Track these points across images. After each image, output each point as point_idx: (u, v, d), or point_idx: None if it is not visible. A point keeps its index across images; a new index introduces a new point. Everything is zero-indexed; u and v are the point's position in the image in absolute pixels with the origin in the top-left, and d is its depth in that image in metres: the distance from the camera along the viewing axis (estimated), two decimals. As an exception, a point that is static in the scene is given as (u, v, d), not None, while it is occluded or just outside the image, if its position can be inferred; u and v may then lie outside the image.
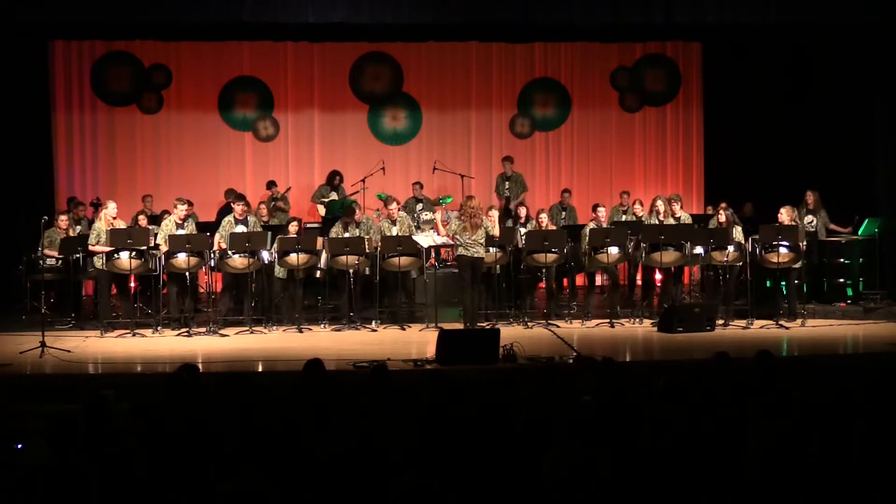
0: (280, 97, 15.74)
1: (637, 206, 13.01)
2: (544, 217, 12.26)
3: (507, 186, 14.94)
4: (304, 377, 6.43)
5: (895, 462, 4.38)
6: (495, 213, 12.05)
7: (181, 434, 5.08)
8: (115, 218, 11.56)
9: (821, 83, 14.79)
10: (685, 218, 12.50)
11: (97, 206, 14.01)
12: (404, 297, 12.18)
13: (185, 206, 11.68)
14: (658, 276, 12.26)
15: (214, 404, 5.77)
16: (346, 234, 11.81)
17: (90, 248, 11.50)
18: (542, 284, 12.61)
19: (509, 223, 12.97)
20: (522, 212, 12.81)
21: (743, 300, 11.89)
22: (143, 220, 11.84)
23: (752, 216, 13.55)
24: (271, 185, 14.68)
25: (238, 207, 11.88)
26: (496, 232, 11.35)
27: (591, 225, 12.07)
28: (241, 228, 11.69)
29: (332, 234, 11.88)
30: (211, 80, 15.60)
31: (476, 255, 11.13)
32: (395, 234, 11.91)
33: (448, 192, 15.02)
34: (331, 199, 14.44)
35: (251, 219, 11.97)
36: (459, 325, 11.16)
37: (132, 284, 11.92)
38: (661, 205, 12.17)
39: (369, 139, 15.91)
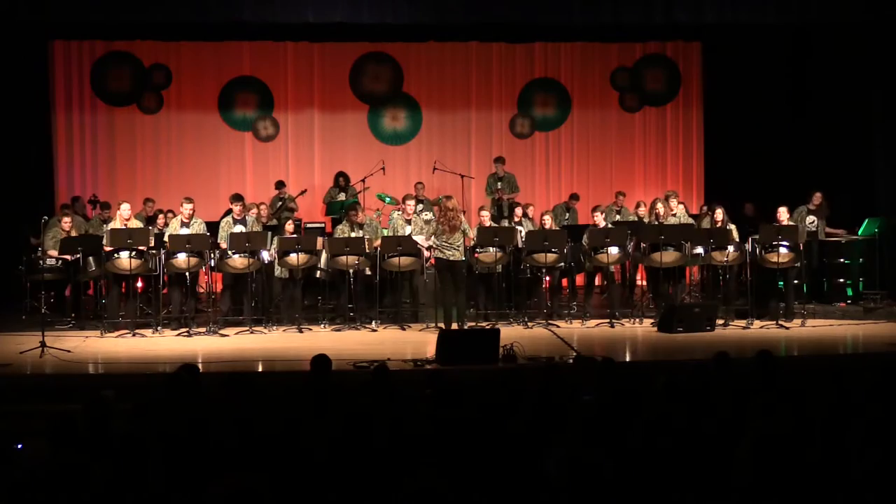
0: (280, 97, 15.75)
1: (641, 208, 13.01)
2: (548, 218, 12.24)
3: (499, 186, 14.93)
4: (312, 373, 6.45)
5: (895, 463, 4.38)
6: (486, 214, 12.00)
7: (181, 434, 5.08)
8: (128, 219, 11.55)
9: (820, 83, 14.79)
10: (681, 215, 12.49)
11: (95, 203, 14.03)
12: (406, 296, 12.17)
13: (192, 206, 11.67)
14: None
15: (214, 404, 5.76)
16: (353, 234, 11.83)
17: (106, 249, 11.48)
18: (546, 285, 12.61)
19: (504, 223, 12.95)
20: (518, 212, 12.78)
21: (743, 300, 11.90)
22: (161, 220, 11.91)
23: (753, 216, 13.54)
24: (280, 184, 14.64)
25: (236, 208, 11.90)
26: (472, 235, 11.26)
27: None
28: (239, 228, 11.70)
29: (338, 234, 11.91)
30: (211, 80, 15.61)
31: (452, 259, 11.02)
32: (407, 233, 11.91)
33: (448, 193, 14.99)
34: (338, 199, 14.43)
35: (249, 218, 11.98)
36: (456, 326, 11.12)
37: (139, 285, 11.95)
38: (660, 207, 12.18)
39: (369, 139, 15.91)
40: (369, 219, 12.59)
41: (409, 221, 12.14)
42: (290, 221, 12.16)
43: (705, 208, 12.60)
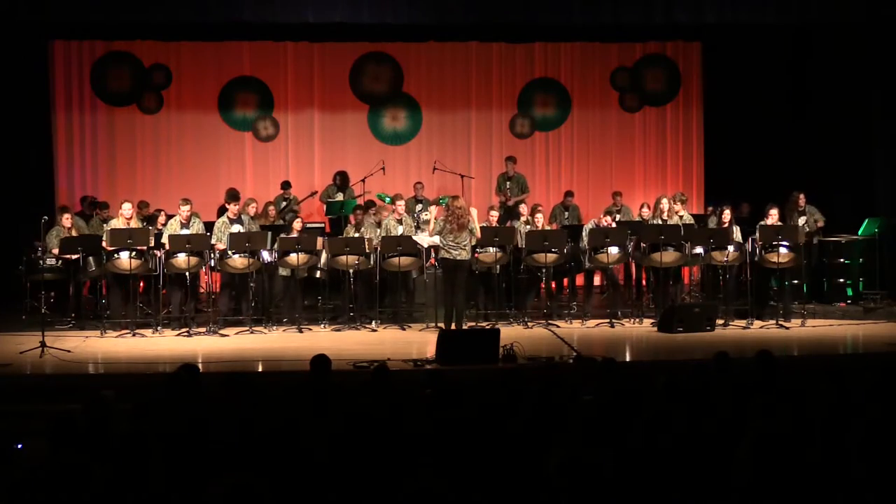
0: (280, 97, 15.73)
1: (645, 209, 13.02)
2: (540, 217, 12.24)
3: (507, 186, 14.93)
4: (311, 373, 6.46)
5: (895, 463, 4.38)
6: (495, 214, 12.05)
7: (181, 434, 5.08)
8: (130, 219, 11.56)
9: (820, 83, 14.79)
10: (687, 218, 12.50)
11: (94, 204, 14.03)
12: (404, 296, 12.18)
13: (189, 208, 11.68)
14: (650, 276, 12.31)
15: (214, 404, 5.77)
16: (356, 235, 11.85)
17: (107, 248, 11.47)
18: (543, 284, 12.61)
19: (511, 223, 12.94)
20: (524, 210, 12.76)
21: (743, 300, 11.90)
22: (161, 219, 11.97)
23: (748, 216, 13.54)
24: (286, 185, 14.64)
25: (233, 207, 11.91)
26: (478, 234, 11.23)
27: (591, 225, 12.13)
28: (236, 228, 11.71)
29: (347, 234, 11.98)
30: (211, 80, 15.59)
31: (459, 258, 10.98)
32: (400, 233, 11.91)
33: (448, 193, 14.99)
34: (336, 199, 14.44)
35: (245, 217, 12.00)
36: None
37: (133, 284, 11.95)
38: (665, 204, 12.18)
39: (369, 139, 15.89)
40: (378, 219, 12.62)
41: (399, 222, 12.14)
42: (297, 221, 12.19)
43: (718, 209, 12.53)
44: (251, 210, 12.58)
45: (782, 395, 5.67)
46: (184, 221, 11.61)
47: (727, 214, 11.98)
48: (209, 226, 12.30)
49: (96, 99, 15.38)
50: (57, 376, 9.07)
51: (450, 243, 10.95)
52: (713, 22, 13.12)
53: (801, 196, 12.99)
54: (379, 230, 12.12)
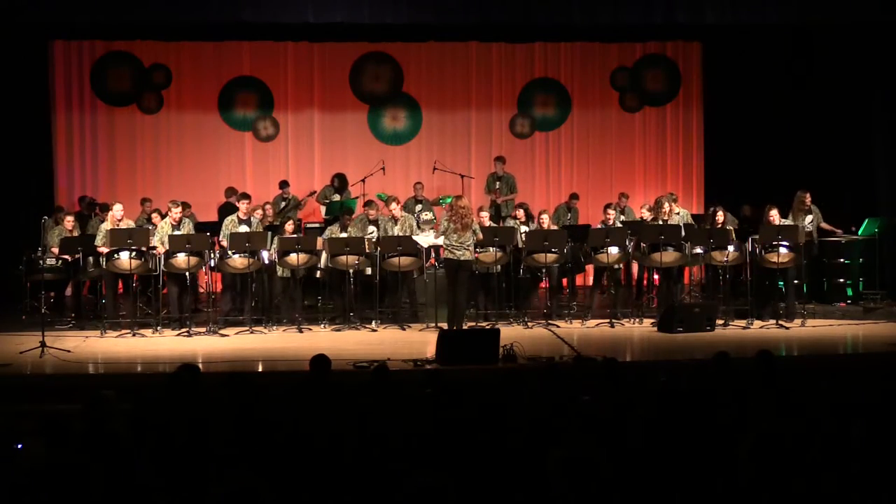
0: (280, 97, 15.73)
1: (645, 210, 12.99)
2: (545, 217, 12.24)
3: (497, 186, 14.92)
4: (311, 373, 6.48)
5: (895, 463, 4.38)
6: (485, 214, 12.04)
7: (181, 434, 5.08)
8: (120, 220, 11.56)
9: (820, 83, 14.80)
10: (685, 215, 12.50)
11: (94, 204, 14.03)
12: (405, 296, 12.18)
13: (180, 209, 11.66)
14: (655, 276, 12.28)
15: (214, 404, 5.77)
16: (343, 235, 11.85)
17: (98, 248, 11.49)
18: (544, 284, 12.61)
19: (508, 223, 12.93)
20: (521, 214, 12.72)
21: (743, 300, 11.90)
22: (156, 219, 11.95)
23: (751, 217, 13.52)
24: (284, 184, 14.65)
25: (243, 206, 11.90)
26: (480, 236, 11.22)
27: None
28: (244, 228, 11.70)
29: (328, 234, 11.97)
30: (211, 80, 15.59)
31: (463, 258, 10.95)
32: (396, 233, 11.91)
33: (448, 192, 14.99)
34: (332, 199, 14.44)
35: (254, 219, 11.98)
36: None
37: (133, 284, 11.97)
38: (666, 205, 12.18)
39: (369, 139, 15.90)
40: (381, 217, 12.60)
41: (396, 222, 12.14)
42: (290, 221, 12.18)
43: (713, 211, 12.51)
44: (258, 214, 12.53)
45: (782, 395, 5.67)
46: (174, 223, 11.59)
47: (720, 216, 11.98)
48: (207, 226, 12.30)
49: (96, 99, 15.38)
50: (57, 376, 9.07)
51: (453, 243, 10.93)
52: (713, 22, 13.11)
53: (808, 195, 12.89)
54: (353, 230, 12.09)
